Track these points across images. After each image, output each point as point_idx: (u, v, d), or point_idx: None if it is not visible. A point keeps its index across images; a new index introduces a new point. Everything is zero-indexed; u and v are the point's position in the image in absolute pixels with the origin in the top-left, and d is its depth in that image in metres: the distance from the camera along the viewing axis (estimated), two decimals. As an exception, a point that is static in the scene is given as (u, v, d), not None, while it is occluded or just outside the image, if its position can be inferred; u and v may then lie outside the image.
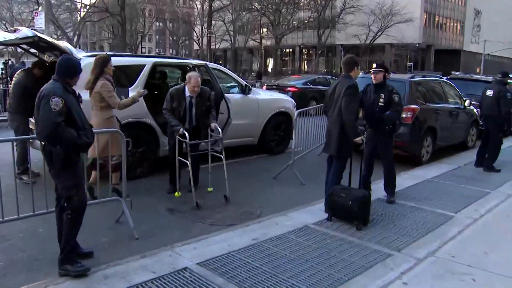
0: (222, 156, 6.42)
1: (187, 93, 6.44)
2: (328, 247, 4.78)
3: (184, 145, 6.27)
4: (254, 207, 6.23)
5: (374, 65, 6.56)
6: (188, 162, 6.16)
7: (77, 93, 4.11)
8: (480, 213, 6.12)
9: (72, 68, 4.01)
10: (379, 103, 6.36)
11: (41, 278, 3.94)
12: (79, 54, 6.84)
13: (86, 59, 6.74)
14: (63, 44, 6.74)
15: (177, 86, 6.62)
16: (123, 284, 3.79)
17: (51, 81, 3.95)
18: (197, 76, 6.45)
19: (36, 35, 6.00)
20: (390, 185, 6.61)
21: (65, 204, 4.01)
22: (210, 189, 6.74)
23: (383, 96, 6.35)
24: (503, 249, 4.90)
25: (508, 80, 9.33)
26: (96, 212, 5.41)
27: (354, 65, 5.86)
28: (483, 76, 16.76)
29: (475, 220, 5.86)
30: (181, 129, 6.17)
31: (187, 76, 6.47)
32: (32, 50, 8.04)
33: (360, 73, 7.76)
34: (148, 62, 7.59)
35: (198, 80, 6.39)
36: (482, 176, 8.45)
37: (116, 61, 7.51)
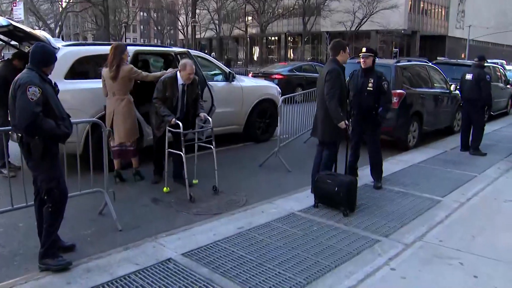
0: (212, 147, 6.19)
1: (180, 81, 6.21)
2: (315, 234, 4.72)
3: (172, 135, 6.11)
4: (240, 196, 6.14)
5: (364, 49, 6.47)
6: (182, 153, 5.89)
7: (53, 82, 3.97)
8: (467, 197, 6.11)
9: (47, 55, 3.86)
10: (368, 88, 6.31)
11: (22, 274, 3.84)
12: (57, 43, 6.67)
13: (64, 49, 6.59)
14: (40, 33, 6.58)
15: (169, 75, 6.32)
16: (105, 278, 3.70)
17: (26, 70, 3.80)
18: (192, 63, 6.27)
19: (11, 23, 5.82)
20: (377, 171, 6.57)
21: (46, 197, 3.89)
22: (195, 181, 6.52)
23: (372, 80, 6.30)
24: (490, 232, 4.89)
25: (485, 64, 9.46)
26: (78, 205, 5.31)
27: (340, 49, 5.76)
28: (468, 61, 16.80)
29: (462, 204, 5.84)
30: (174, 119, 5.98)
31: (181, 63, 6.27)
32: (13, 43, 7.84)
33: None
34: (129, 50, 7.42)
35: (194, 67, 6.24)
36: (468, 160, 8.46)
37: (96, 50, 7.39)
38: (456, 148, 9.35)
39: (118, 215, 4.97)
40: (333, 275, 3.84)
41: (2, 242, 4.56)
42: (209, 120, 6.36)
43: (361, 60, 6.41)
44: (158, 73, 6.83)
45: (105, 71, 6.38)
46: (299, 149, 9.10)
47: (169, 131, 6.10)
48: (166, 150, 6.15)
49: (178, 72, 6.23)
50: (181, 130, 5.86)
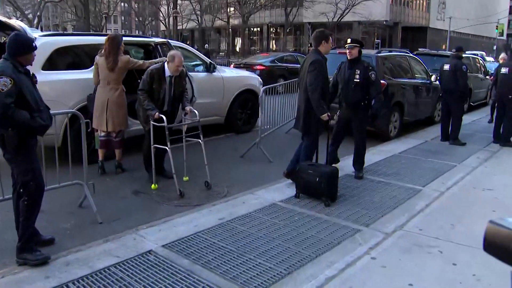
0: (200, 141, 6.01)
1: (167, 73, 6.00)
2: (296, 224, 4.73)
3: (157, 129, 5.90)
4: (221, 187, 6.12)
5: (349, 40, 6.41)
6: (168, 148, 5.73)
7: (31, 73, 3.88)
8: (447, 186, 6.17)
9: (22, 45, 3.77)
10: (355, 79, 6.25)
11: (-1, 268, 3.77)
12: (34, 33, 6.54)
13: (41, 39, 6.47)
14: (16, 22, 6.44)
15: (156, 66, 6.13)
16: (85, 271, 3.65)
17: (0, 60, 3.72)
18: (181, 54, 6.11)
19: (-15, 13, 5.70)
20: (359, 161, 6.58)
21: (21, 190, 3.82)
22: (186, 178, 6.30)
23: (358, 71, 6.25)
24: (468, 220, 4.94)
25: (463, 54, 9.58)
26: (58, 198, 5.24)
27: (322, 39, 5.72)
28: (448, 52, 16.95)
29: (442, 193, 5.90)
30: (157, 113, 5.78)
31: (169, 54, 6.07)
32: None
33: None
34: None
35: (182, 59, 6.07)
36: (448, 149, 8.55)
37: (74, 40, 7.27)
38: (437, 138, 9.45)
39: (98, 207, 4.92)
40: (314, 265, 3.84)
41: (-22, 236, 4.48)
42: (195, 113, 6.16)
43: (347, 51, 6.35)
44: (154, 60, 6.90)
45: (100, 59, 6.36)
46: (281, 139, 9.09)
47: (153, 125, 5.88)
48: (152, 146, 5.91)
49: (165, 63, 6.04)
50: (165, 124, 5.68)
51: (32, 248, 3.82)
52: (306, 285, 3.52)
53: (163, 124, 5.71)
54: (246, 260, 3.89)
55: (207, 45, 50.35)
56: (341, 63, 6.64)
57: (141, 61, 6.75)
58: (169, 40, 8.21)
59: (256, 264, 3.81)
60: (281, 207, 5.25)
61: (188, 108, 6.18)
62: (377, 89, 6.33)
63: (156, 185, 5.99)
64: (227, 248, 4.10)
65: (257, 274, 3.65)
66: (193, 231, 4.46)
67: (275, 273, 3.67)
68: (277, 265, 3.81)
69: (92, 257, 3.87)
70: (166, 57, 6.31)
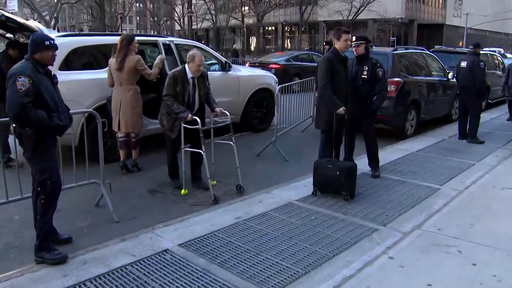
0: (232, 143, 5.79)
1: (189, 75, 5.71)
2: (313, 223, 4.70)
3: (188, 132, 5.68)
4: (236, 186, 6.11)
5: (354, 38, 6.37)
6: (202, 152, 5.50)
7: (52, 73, 3.91)
8: (465, 185, 6.09)
9: (40, 44, 3.79)
10: (362, 76, 6.24)
11: (18, 266, 3.81)
12: (51, 34, 6.58)
13: (57, 40, 6.49)
14: (33, 23, 6.51)
15: (178, 68, 5.85)
16: (102, 269, 3.67)
17: (22, 60, 3.77)
18: (201, 54, 5.82)
19: (3, 14, 5.77)
20: (373, 159, 6.54)
21: (39, 188, 3.86)
22: (213, 182, 5.98)
23: (366, 68, 6.23)
24: (488, 220, 4.87)
25: (480, 51, 9.44)
26: (75, 197, 5.29)
27: (335, 38, 5.82)
28: (465, 49, 16.75)
29: (460, 192, 5.82)
30: (190, 115, 5.47)
31: (189, 54, 5.75)
32: (8, 35, 7.75)
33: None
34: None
35: (203, 58, 5.81)
36: (466, 148, 8.44)
37: (91, 40, 7.31)
38: (454, 136, 9.33)
39: (114, 206, 4.95)
40: (331, 264, 3.82)
41: (-3, 235, 4.53)
42: (226, 114, 5.94)
43: (353, 48, 6.35)
44: (156, 69, 6.70)
45: (112, 61, 6.42)
46: (296, 138, 9.06)
47: (185, 128, 5.63)
48: (183, 149, 5.74)
49: (186, 64, 5.77)
50: (199, 126, 5.43)
51: (50, 247, 3.86)
52: (323, 284, 3.49)
53: (197, 126, 5.45)
54: (263, 259, 3.87)
55: (235, 44, 50.53)
56: (350, 60, 6.61)
57: (149, 71, 6.54)
58: (184, 39, 8.21)
59: (273, 264, 3.79)
60: (297, 206, 5.23)
61: (218, 109, 5.93)
62: (382, 86, 6.30)
63: (186, 190, 5.79)
64: (243, 248, 4.09)
65: (274, 273, 3.63)
66: (209, 230, 4.46)
67: (292, 272, 3.65)
68: (294, 264, 3.79)
69: (109, 256, 3.89)
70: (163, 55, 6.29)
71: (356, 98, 6.32)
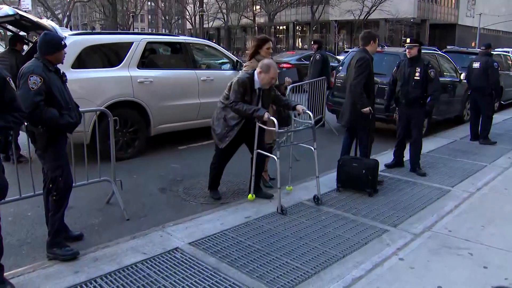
0: (313, 148, 5.24)
1: (257, 85, 5.13)
2: (323, 223, 4.69)
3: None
4: (247, 185, 6.09)
5: (408, 40, 6.66)
6: (276, 158, 4.96)
7: (61, 71, 3.95)
8: (476, 187, 6.04)
9: (51, 44, 3.81)
10: (415, 77, 6.44)
11: (30, 262, 3.86)
12: (64, 32, 6.66)
13: (70, 38, 6.57)
14: (47, 22, 6.57)
15: (246, 75, 5.15)
16: (112, 266, 3.70)
17: (32, 59, 3.80)
18: (276, 65, 5.20)
19: (17, 13, 5.82)
20: (416, 157, 6.73)
21: (51, 186, 3.89)
22: (289, 188, 5.75)
23: (419, 69, 6.44)
24: (499, 222, 4.83)
25: (492, 52, 9.42)
26: (86, 194, 5.33)
27: (370, 39, 6.02)
28: (477, 49, 16.61)
29: (472, 194, 5.78)
30: (267, 114, 4.94)
31: (264, 64, 5.06)
32: (22, 33, 7.84)
33: (378, 48, 7.90)
34: (136, 40, 7.38)
35: (277, 70, 5.16)
36: (478, 149, 8.37)
37: (103, 39, 7.36)
38: (466, 138, 9.26)
39: (125, 204, 4.99)
40: (340, 265, 3.81)
41: (10, 231, 4.55)
42: (310, 114, 5.42)
43: (407, 50, 6.56)
44: None
45: None
46: (308, 138, 9.01)
47: (241, 130, 5.23)
48: (255, 151, 5.28)
49: (255, 72, 5.15)
50: (277, 128, 4.84)
51: (61, 244, 3.90)
52: (333, 285, 3.49)
53: (273, 128, 4.89)
54: (273, 259, 3.88)
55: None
56: (400, 61, 6.88)
57: None
58: (195, 38, 8.24)
59: (283, 263, 3.80)
60: (308, 205, 5.23)
61: (300, 107, 5.28)
62: (435, 87, 6.47)
63: (254, 195, 5.40)
64: (253, 247, 4.10)
65: (284, 273, 3.64)
66: (219, 229, 4.47)
67: (302, 272, 3.65)
68: (303, 264, 3.79)
69: (120, 254, 3.92)
70: None
71: (408, 98, 6.51)
